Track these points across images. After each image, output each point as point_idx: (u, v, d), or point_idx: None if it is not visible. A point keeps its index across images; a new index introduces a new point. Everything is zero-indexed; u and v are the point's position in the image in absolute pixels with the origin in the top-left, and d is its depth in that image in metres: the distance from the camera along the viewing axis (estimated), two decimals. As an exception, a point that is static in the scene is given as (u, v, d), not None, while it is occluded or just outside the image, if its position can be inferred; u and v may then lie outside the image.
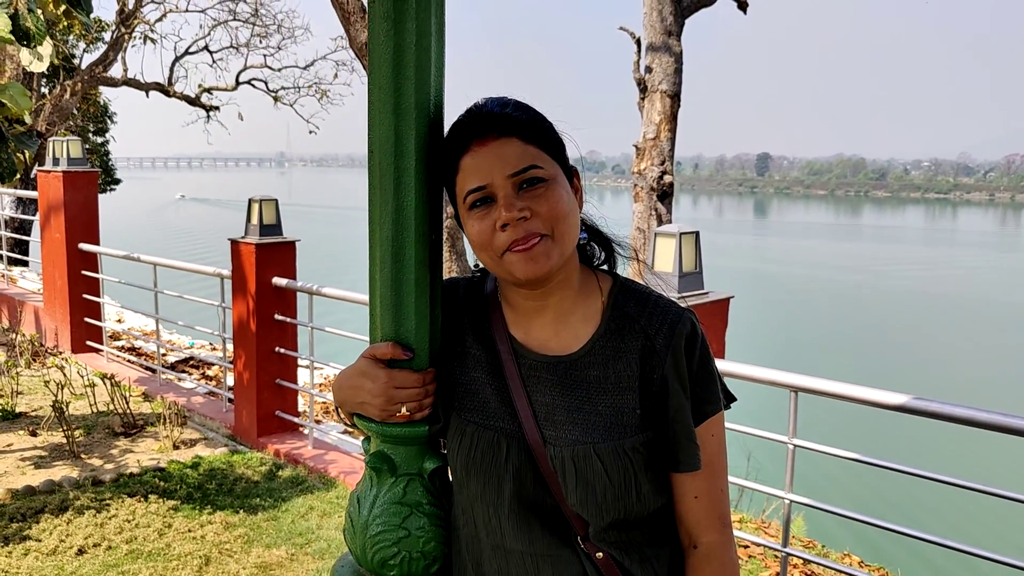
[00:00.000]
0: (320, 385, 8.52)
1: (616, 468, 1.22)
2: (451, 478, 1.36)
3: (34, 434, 5.95)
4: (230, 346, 6.35)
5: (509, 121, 1.23)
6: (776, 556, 5.09)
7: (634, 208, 8.35)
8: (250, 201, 6.12)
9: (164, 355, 8.58)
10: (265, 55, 19.25)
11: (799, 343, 24.88)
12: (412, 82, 1.24)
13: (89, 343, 8.23)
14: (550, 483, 1.23)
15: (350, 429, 1.41)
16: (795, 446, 3.62)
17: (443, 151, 1.27)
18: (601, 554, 1.24)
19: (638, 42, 8.28)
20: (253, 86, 19.49)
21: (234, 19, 18.61)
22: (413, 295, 1.29)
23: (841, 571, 4.20)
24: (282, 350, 5.98)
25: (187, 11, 17.54)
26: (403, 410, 1.28)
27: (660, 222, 8.08)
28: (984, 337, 26.89)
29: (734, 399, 1.35)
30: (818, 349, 24.14)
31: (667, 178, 8.16)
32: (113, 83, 16.86)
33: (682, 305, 1.30)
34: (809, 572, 5.26)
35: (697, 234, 3.83)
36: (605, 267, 1.37)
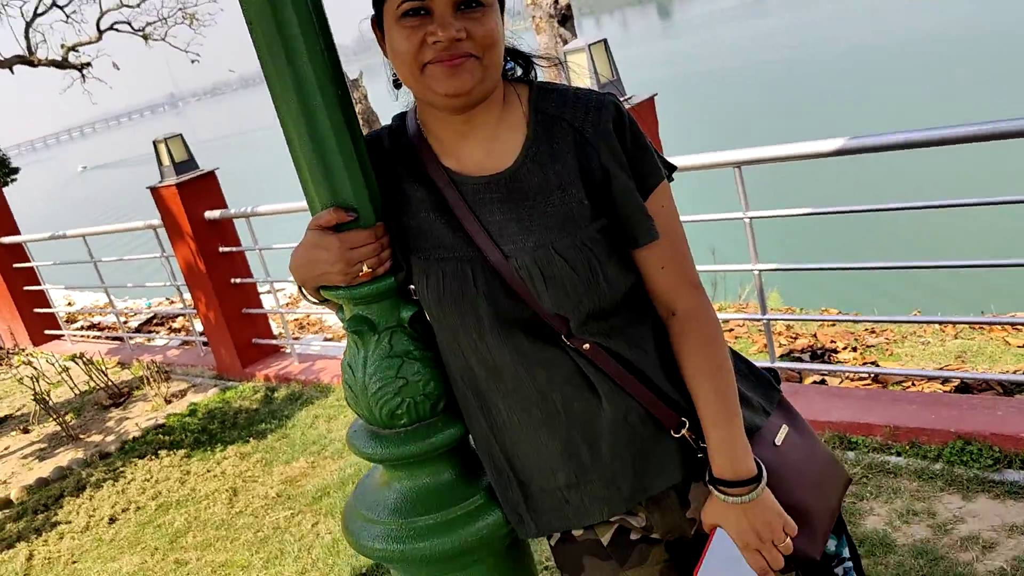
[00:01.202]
0: (287, 304, 8.51)
1: (579, 260, 1.25)
2: (428, 319, 1.39)
3: (26, 431, 5.94)
4: (188, 294, 6.29)
5: None
6: (760, 329, 5.33)
7: (539, 41, 8.18)
8: (155, 143, 5.91)
9: (125, 323, 8.48)
10: (118, -7, 18.05)
11: (731, 133, 25.06)
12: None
13: (48, 332, 8.10)
14: (521, 294, 1.27)
15: (319, 305, 1.42)
16: (751, 219, 3.72)
17: None
18: (588, 345, 1.28)
19: None
20: (118, 31, 18.36)
21: (74, -36, 17.31)
22: (340, 158, 1.28)
23: (822, 320, 4.40)
24: (238, 280, 5.93)
25: (22, -30, 16.28)
26: (364, 268, 1.29)
27: (567, 47, 7.95)
28: (905, 73, 27.22)
29: (674, 167, 1.37)
30: (752, 133, 24.37)
31: (562, 0, 7.97)
32: (-30, 67, 15.80)
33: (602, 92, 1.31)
34: (794, 335, 5.52)
35: (605, 41, 3.78)
36: (522, 79, 1.36)
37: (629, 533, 1.41)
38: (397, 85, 1.34)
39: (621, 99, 3.83)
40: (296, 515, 3.95)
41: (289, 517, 3.94)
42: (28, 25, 16.96)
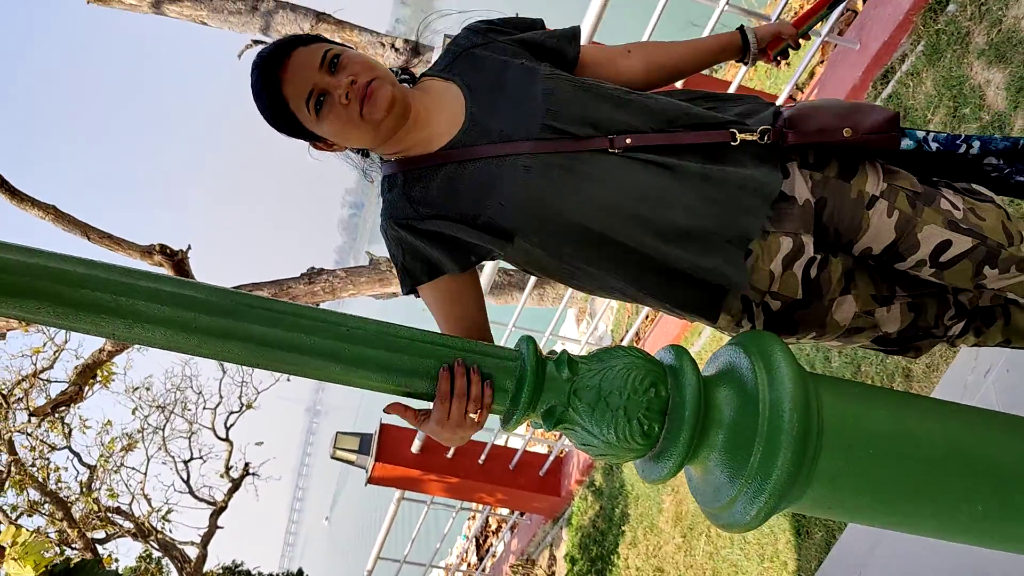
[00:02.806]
0: (526, 428, 8.68)
1: (563, 87, 1.49)
2: (541, 257, 1.53)
3: None
4: (470, 504, 6.54)
5: (287, 44, 1.47)
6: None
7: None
8: (333, 458, 6.24)
9: (469, 565, 8.86)
10: None
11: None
12: None
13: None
14: (561, 148, 1.45)
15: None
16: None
17: (266, 104, 1.47)
18: (628, 139, 1.46)
19: None
20: (241, 411, 19.40)
21: None
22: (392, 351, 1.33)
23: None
24: (482, 457, 6.12)
25: None
26: (472, 417, 1.35)
27: None
28: None
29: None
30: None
31: (399, 43, 8.03)
32: None
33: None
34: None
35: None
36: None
37: (810, 261, 1.53)
38: (365, 154, 1.61)
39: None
40: (713, 536, 3.97)
41: (710, 540, 3.97)
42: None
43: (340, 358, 1.29)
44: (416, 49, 8.16)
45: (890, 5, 3.72)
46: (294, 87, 1.43)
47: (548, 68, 1.52)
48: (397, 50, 7.68)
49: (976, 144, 1.57)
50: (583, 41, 1.64)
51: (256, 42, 7.14)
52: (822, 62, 4.41)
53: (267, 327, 1.25)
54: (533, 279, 4.62)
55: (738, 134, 1.50)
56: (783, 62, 1.73)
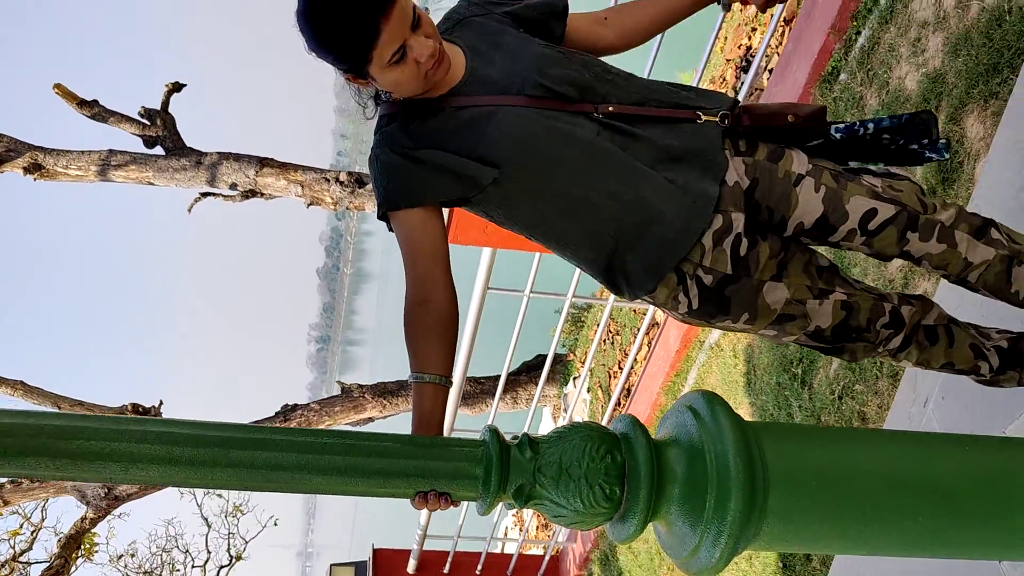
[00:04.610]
0: (519, 528, 8.61)
1: (551, 54, 1.69)
2: (519, 200, 1.70)
3: None
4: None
5: None
6: None
7: None
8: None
9: None
10: None
11: None
12: None
13: None
14: (549, 104, 1.65)
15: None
16: None
17: (352, 40, 1.52)
18: (611, 107, 1.68)
19: None
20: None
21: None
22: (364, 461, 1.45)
23: None
24: (478, 570, 6.07)
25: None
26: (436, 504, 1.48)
27: None
28: None
29: None
30: None
31: None
32: None
33: None
34: None
35: None
36: None
37: (737, 239, 1.69)
38: (378, 98, 1.75)
39: None
40: None
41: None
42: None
43: (317, 470, 1.41)
44: (360, 180, 8.46)
45: (788, 81, 4.04)
46: (390, 35, 1.51)
47: (541, 41, 1.73)
48: (342, 183, 7.96)
49: (870, 125, 1.83)
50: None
51: (204, 195, 7.35)
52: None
53: (250, 451, 1.38)
54: (502, 384, 4.72)
55: (702, 115, 1.72)
56: (769, 9, 1.84)
